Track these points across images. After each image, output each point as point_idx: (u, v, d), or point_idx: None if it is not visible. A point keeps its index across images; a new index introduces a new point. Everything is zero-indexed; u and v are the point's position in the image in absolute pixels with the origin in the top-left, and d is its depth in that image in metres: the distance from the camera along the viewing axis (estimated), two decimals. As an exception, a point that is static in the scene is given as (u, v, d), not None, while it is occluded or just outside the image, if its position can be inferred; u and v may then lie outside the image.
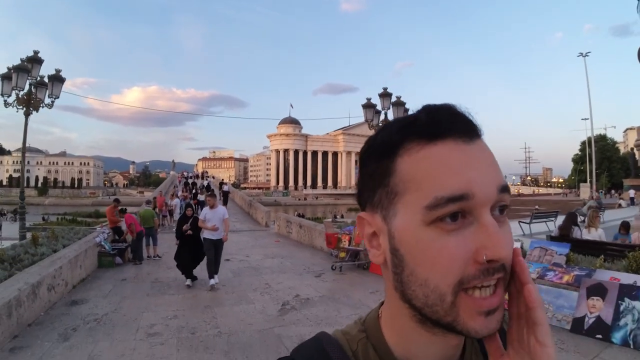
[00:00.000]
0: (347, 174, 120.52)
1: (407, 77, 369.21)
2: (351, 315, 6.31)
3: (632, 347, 4.90)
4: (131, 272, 9.85)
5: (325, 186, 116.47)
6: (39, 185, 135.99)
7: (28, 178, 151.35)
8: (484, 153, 0.51)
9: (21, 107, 11.19)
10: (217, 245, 8.73)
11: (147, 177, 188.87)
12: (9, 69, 11.11)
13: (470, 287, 0.48)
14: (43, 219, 27.54)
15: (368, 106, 14.08)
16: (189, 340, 5.48)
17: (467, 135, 0.51)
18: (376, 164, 0.55)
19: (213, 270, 8.55)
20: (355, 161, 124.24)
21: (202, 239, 8.79)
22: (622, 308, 5.20)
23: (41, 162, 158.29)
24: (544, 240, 8.42)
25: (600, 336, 5.27)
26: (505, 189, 0.51)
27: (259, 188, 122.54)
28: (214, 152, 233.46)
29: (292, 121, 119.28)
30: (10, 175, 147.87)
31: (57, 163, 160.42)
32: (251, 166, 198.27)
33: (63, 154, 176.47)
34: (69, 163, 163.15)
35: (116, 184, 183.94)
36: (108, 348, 5.15)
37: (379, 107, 13.87)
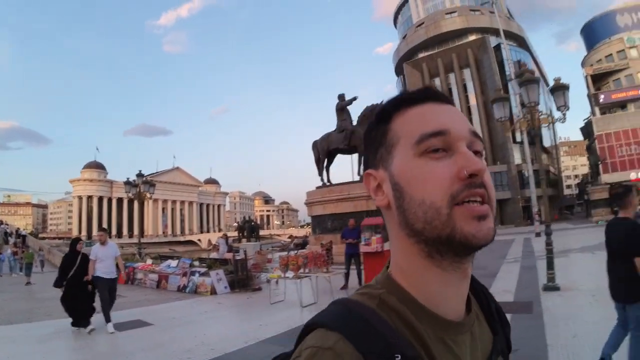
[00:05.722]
0: (154, 222, 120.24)
1: (222, 122, 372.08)
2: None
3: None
4: None
5: (131, 235, 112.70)
6: None
7: None
8: (455, 110, 0.70)
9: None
10: (112, 285, 8.31)
11: None
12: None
13: (462, 201, 0.61)
14: None
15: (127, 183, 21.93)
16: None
17: (441, 100, 0.70)
18: (376, 130, 0.72)
19: (108, 313, 8.04)
20: (163, 209, 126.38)
21: (94, 277, 8.07)
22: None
23: None
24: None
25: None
26: (475, 134, 0.68)
27: (60, 238, 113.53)
28: (9, 195, 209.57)
29: (97, 166, 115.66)
30: None
31: None
32: (51, 213, 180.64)
33: None
34: None
35: None
36: None
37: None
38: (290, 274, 9.07)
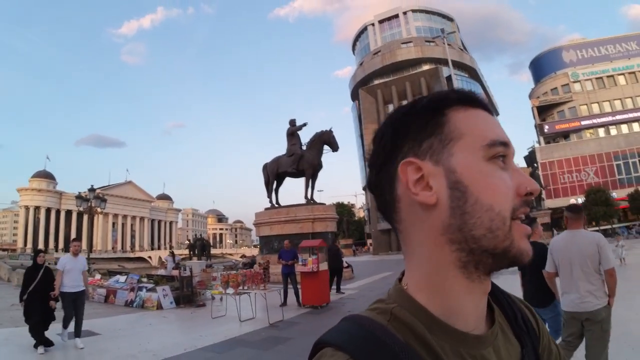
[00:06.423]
0: (104, 237, 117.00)
1: (177, 137, 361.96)
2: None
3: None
4: None
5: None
6: None
7: None
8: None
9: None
10: (77, 299, 7.92)
11: None
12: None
13: (516, 217, 0.62)
14: None
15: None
16: None
17: (490, 111, 0.69)
18: (424, 118, 0.66)
19: (67, 326, 7.93)
20: (113, 223, 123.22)
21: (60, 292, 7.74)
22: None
23: None
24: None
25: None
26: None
27: (4, 250, 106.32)
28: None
29: (46, 175, 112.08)
30: None
31: None
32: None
33: None
34: None
35: None
36: None
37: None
38: (230, 290, 9.91)
